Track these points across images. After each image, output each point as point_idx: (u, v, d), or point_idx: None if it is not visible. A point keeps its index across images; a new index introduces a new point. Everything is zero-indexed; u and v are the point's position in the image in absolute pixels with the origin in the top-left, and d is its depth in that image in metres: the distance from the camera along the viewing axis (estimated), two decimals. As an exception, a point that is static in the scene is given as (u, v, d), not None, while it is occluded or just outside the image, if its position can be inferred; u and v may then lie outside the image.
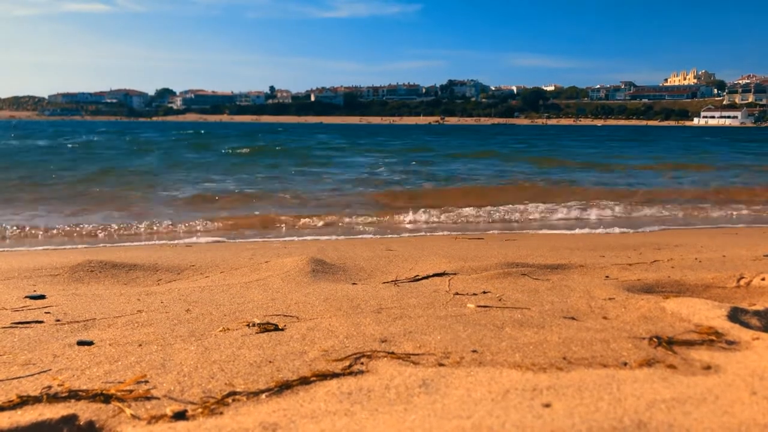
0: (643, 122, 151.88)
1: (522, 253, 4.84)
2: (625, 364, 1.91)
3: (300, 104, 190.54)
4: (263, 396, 1.68)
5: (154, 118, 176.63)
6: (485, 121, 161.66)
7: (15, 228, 7.22)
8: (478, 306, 2.79)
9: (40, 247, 6.06)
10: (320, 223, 8.09)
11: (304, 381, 1.78)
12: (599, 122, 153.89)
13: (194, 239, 6.70)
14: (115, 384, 1.77)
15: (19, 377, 1.83)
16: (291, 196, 11.16)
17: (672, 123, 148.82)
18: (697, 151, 29.70)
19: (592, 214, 9.12)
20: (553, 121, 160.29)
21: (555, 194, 11.54)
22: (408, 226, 8.12)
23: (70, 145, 28.62)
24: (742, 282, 3.38)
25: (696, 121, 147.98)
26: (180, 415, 1.56)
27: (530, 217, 8.89)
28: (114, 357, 2.03)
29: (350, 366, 1.91)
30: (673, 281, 3.45)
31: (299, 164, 18.76)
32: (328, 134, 50.83)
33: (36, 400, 1.63)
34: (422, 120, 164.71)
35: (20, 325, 2.51)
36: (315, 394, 1.68)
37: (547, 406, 1.53)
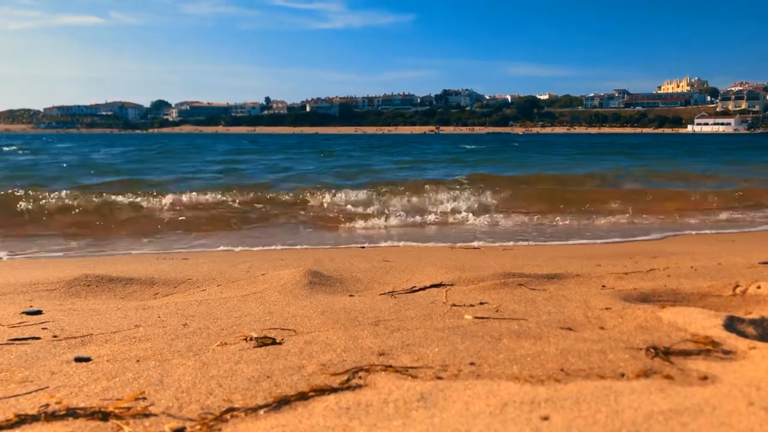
0: (638, 130, 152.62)
1: (518, 263, 4.85)
2: (623, 375, 1.92)
3: (295, 115, 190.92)
4: (261, 412, 1.68)
5: (150, 130, 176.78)
6: (480, 130, 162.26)
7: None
8: (476, 317, 2.80)
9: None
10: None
11: (303, 396, 1.78)
12: (593, 130, 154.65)
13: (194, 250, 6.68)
14: (113, 401, 1.76)
15: (17, 395, 1.82)
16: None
17: (667, 130, 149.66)
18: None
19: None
20: (547, 130, 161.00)
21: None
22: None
23: None
24: (737, 290, 3.40)
25: (690, 128, 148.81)
26: (178, 432, 1.55)
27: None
28: (112, 373, 2.03)
29: (348, 380, 1.91)
30: (669, 290, 3.47)
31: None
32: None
33: (34, 418, 1.63)
34: (417, 129, 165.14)
35: (17, 342, 2.50)
36: (313, 410, 1.68)
37: (546, 419, 1.54)
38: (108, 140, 73.95)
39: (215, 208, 10.67)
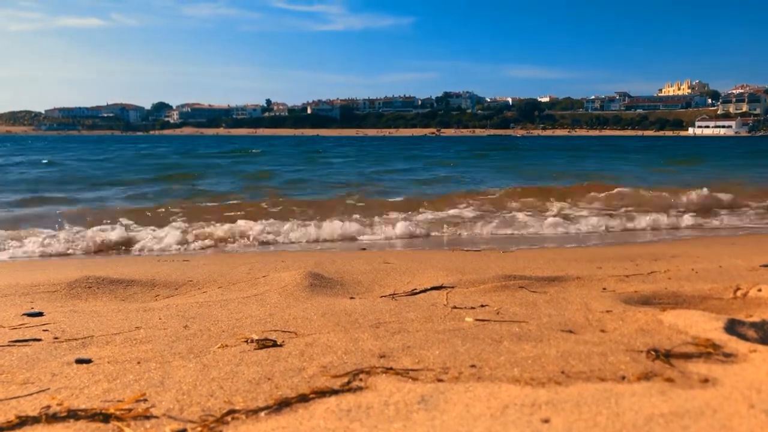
0: (639, 132, 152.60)
1: (519, 266, 4.85)
2: (623, 377, 1.92)
3: (297, 117, 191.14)
4: (262, 414, 1.68)
5: (151, 132, 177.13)
6: (481, 132, 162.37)
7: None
8: (476, 320, 2.80)
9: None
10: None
11: (303, 398, 1.78)
12: (594, 133, 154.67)
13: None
14: (114, 403, 1.76)
15: (18, 397, 1.83)
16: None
17: (668, 133, 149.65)
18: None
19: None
20: (548, 132, 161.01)
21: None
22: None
23: None
24: (738, 293, 3.40)
25: (691, 131, 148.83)
26: (179, 434, 1.56)
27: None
28: (113, 375, 2.03)
29: (349, 382, 1.91)
30: (670, 293, 3.47)
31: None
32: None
33: (35, 420, 1.63)
34: (418, 132, 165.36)
35: (18, 343, 2.50)
36: (314, 412, 1.68)
37: (546, 421, 1.54)
38: (97, 142, 72.94)
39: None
